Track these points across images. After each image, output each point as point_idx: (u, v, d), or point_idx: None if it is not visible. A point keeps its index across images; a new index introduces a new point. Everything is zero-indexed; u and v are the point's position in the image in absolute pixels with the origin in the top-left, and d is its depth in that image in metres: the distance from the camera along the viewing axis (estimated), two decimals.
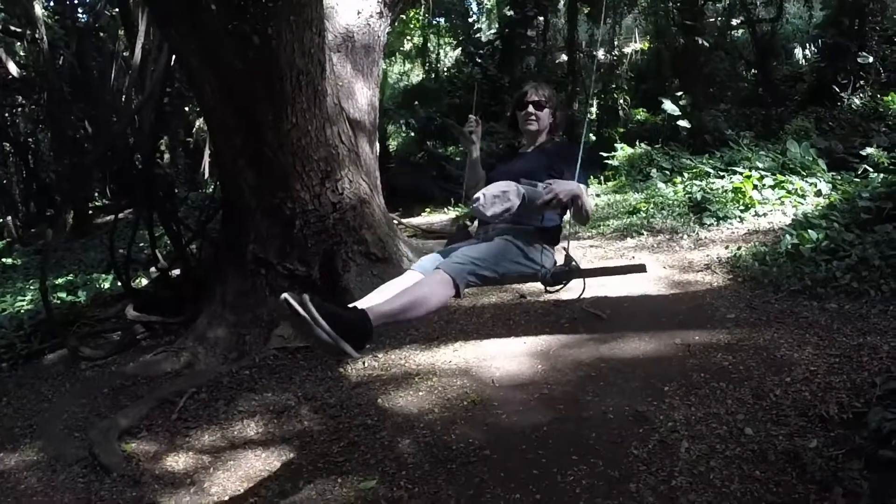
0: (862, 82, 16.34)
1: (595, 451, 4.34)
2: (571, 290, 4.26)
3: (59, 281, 12.71)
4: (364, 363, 6.34)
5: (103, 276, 13.03)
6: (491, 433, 4.78)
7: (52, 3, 21.53)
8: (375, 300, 3.55)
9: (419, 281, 3.73)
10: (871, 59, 16.26)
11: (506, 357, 6.02)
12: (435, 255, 4.12)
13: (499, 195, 3.76)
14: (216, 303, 7.40)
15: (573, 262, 3.93)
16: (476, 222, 4.47)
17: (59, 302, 10.43)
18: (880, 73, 16.91)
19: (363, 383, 5.92)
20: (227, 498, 4.45)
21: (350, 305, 3.43)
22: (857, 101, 15.61)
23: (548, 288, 4.01)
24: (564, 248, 4.03)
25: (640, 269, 4.25)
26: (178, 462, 4.99)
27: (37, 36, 18.39)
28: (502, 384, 5.52)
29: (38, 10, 17.32)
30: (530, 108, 4.45)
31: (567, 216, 4.17)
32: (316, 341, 3.08)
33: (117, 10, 19.19)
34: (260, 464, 4.80)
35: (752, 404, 4.63)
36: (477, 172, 4.57)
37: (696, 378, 5.09)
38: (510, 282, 4.50)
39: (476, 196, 3.79)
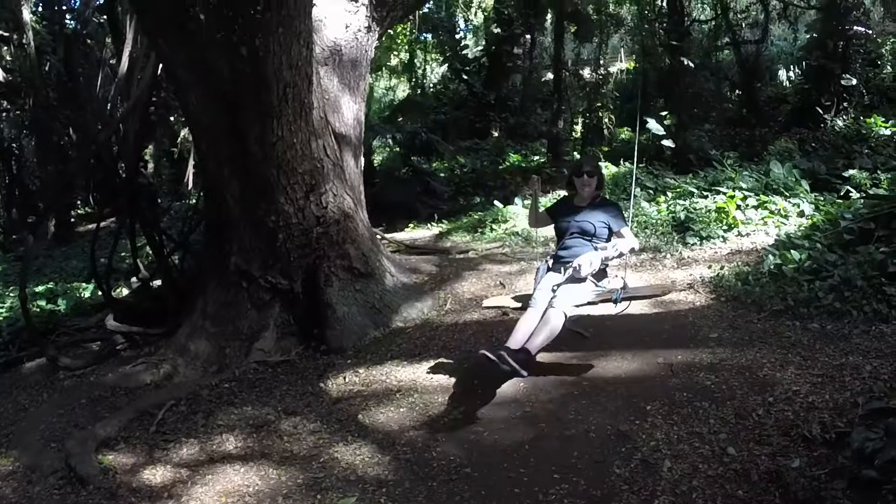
0: (845, 104, 16.46)
1: (577, 470, 4.32)
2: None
3: (39, 289, 12.58)
4: (345, 378, 6.30)
5: (84, 284, 12.92)
6: (472, 451, 4.75)
7: (40, 9, 21.45)
8: (521, 335, 5.40)
9: (548, 318, 5.44)
10: (854, 82, 16.38)
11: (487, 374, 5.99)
12: (545, 288, 5.77)
13: (587, 263, 5.66)
14: (197, 314, 7.35)
15: (626, 285, 6.10)
16: (552, 260, 6.19)
17: (38, 310, 10.33)
18: (863, 96, 17.05)
19: (344, 399, 5.89)
20: None
21: (515, 348, 5.27)
22: (841, 123, 15.70)
23: (616, 306, 5.97)
24: (622, 277, 6.15)
25: (669, 290, 7.13)
26: (155, 475, 4.93)
27: (24, 41, 18.33)
28: (484, 402, 5.49)
29: (27, 15, 17.25)
30: (585, 177, 6.10)
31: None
32: (508, 368, 5.04)
33: (105, 17, 19.17)
34: (239, 479, 4.75)
35: (734, 424, 4.62)
36: (539, 217, 6.58)
37: (679, 397, 5.09)
38: (594, 304, 6.09)
39: (574, 265, 5.66)
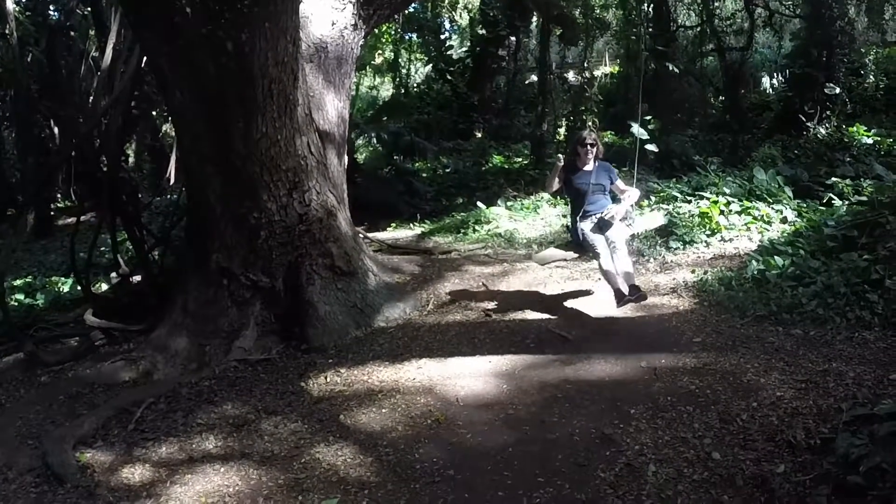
0: (828, 112, 16.56)
1: (561, 474, 4.30)
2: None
3: (18, 283, 12.46)
4: (326, 378, 6.26)
5: (63, 279, 12.80)
6: (455, 453, 4.72)
7: (23, 0, 21.25)
8: (621, 278, 6.98)
9: (623, 260, 7.06)
10: (837, 90, 16.49)
11: (471, 376, 5.97)
12: (597, 238, 7.10)
13: (609, 221, 7.12)
14: (177, 311, 7.28)
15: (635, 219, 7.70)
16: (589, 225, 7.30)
17: (16, 304, 10.23)
18: (846, 104, 17.17)
19: (325, 398, 5.84)
20: None
21: (629, 288, 6.89)
22: (823, 131, 15.80)
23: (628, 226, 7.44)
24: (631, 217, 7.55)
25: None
26: (134, 474, 4.86)
27: (6, 32, 18.10)
28: (467, 403, 5.47)
29: (10, 5, 17.02)
30: (589, 147, 7.30)
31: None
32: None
33: (89, 9, 19.00)
34: (219, 479, 4.69)
35: (719, 428, 4.61)
36: (555, 184, 7.59)
37: (663, 401, 5.08)
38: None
39: (612, 214, 7.12)
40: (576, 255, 8.20)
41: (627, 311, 7.15)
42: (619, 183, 7.55)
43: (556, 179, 7.61)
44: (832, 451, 4.06)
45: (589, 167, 7.40)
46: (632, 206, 7.65)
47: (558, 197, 13.41)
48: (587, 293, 8.06)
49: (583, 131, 8.50)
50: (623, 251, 7.10)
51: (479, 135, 23.88)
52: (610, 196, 7.58)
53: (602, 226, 7.18)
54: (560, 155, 8.14)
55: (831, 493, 3.71)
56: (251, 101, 6.33)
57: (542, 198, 14.82)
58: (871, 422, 4.19)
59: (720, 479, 4.04)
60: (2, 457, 5.22)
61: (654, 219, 9.46)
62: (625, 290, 6.88)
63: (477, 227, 13.11)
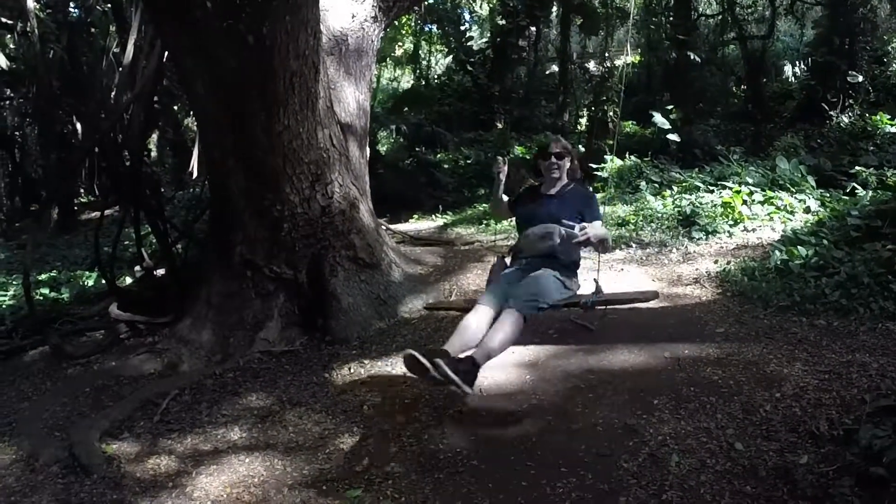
0: (851, 101, 16.46)
1: (584, 464, 4.30)
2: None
3: (43, 277, 12.57)
4: (350, 369, 6.29)
5: (87, 273, 12.90)
6: (479, 443, 4.73)
7: None
8: (464, 340, 4.83)
9: (502, 320, 4.84)
10: (860, 79, 16.38)
11: (494, 366, 5.91)
12: (494, 288, 5.25)
13: (545, 235, 5.09)
14: (201, 304, 7.33)
15: (600, 290, 5.55)
16: (513, 253, 5.69)
17: (41, 298, 10.33)
18: (869, 93, 17.05)
19: (349, 390, 5.86)
20: (209, 503, 4.38)
21: (455, 356, 4.62)
22: (846, 120, 15.70)
23: (585, 311, 5.58)
24: (595, 280, 5.61)
25: (654, 296, 5.95)
26: (159, 465, 4.91)
27: (28, 29, 18.23)
28: (490, 393, 5.47)
29: (31, 2, 17.15)
30: (553, 159, 5.47)
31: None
32: (435, 383, 4.38)
33: (109, 5, 19.09)
34: (243, 469, 4.73)
35: (742, 419, 4.60)
36: (502, 205, 5.78)
37: (686, 392, 5.06)
38: (557, 308, 5.54)
39: (525, 234, 5.16)
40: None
41: (651, 302, 7.13)
42: (598, 226, 5.30)
43: (504, 203, 5.78)
44: (855, 443, 4.04)
45: (553, 191, 5.58)
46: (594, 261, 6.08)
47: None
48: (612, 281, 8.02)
49: (549, 137, 5.87)
50: (511, 314, 4.88)
51: (500, 126, 23.85)
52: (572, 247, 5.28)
53: (526, 269, 5.28)
54: (499, 157, 5.64)
55: (854, 485, 3.69)
56: (272, 95, 6.36)
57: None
58: (895, 413, 4.17)
59: (743, 469, 4.04)
60: (29, 448, 5.29)
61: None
62: (453, 354, 4.65)
63: (522, 232, 13.08)
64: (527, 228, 5.38)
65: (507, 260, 5.65)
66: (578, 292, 5.53)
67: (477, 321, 4.93)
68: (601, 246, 5.37)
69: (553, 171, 5.51)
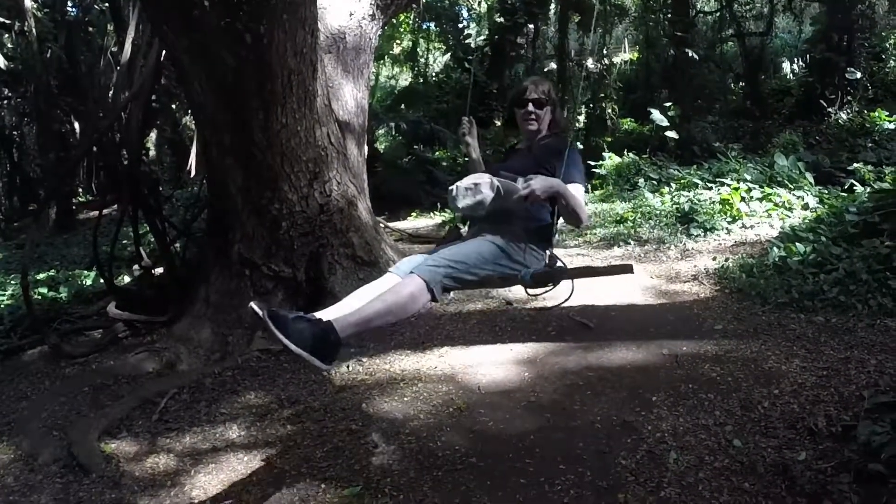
0: (849, 98, 16.46)
1: (583, 461, 4.30)
2: (557, 297, 4.35)
3: (41, 276, 12.55)
4: (348, 367, 6.28)
5: (86, 272, 12.88)
6: (477, 440, 4.73)
7: None
8: (350, 307, 3.53)
9: (392, 287, 3.57)
10: (858, 75, 16.38)
11: (492, 364, 5.98)
12: (417, 256, 3.90)
13: (470, 187, 3.74)
14: (199, 303, 7.33)
15: (557, 263, 3.97)
16: (467, 225, 4.41)
17: (40, 298, 10.30)
18: (868, 89, 17.06)
19: (347, 387, 5.86)
20: (208, 501, 4.38)
21: (318, 316, 3.37)
22: (845, 117, 15.72)
23: (528, 291, 4.08)
24: (548, 250, 4.07)
25: (627, 269, 4.31)
26: (158, 463, 4.91)
27: (25, 28, 18.23)
28: (488, 391, 5.48)
29: (28, 1, 17.16)
30: (530, 107, 4.27)
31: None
32: (286, 350, 3.06)
33: (107, 4, 19.08)
34: (242, 467, 4.73)
35: (740, 416, 4.60)
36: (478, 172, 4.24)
37: (684, 388, 5.07)
38: (491, 285, 4.39)
39: (450, 188, 3.80)
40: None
41: (648, 298, 7.12)
42: (576, 189, 3.95)
43: (481, 165, 4.56)
44: (854, 439, 4.05)
45: (522, 145, 4.55)
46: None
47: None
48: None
49: (526, 80, 4.45)
50: (409, 281, 3.56)
51: (499, 123, 23.84)
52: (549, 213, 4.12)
53: (475, 233, 4.11)
54: (466, 118, 4.56)
55: (852, 481, 3.69)
56: (270, 93, 6.35)
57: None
58: (893, 410, 4.17)
59: (741, 466, 4.04)
60: (28, 447, 5.29)
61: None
62: (316, 314, 3.41)
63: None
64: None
65: (464, 232, 4.46)
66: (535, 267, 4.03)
67: (371, 289, 3.71)
68: (565, 210, 3.94)
69: (529, 121, 4.30)
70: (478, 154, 4.59)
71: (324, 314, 3.43)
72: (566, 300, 4.19)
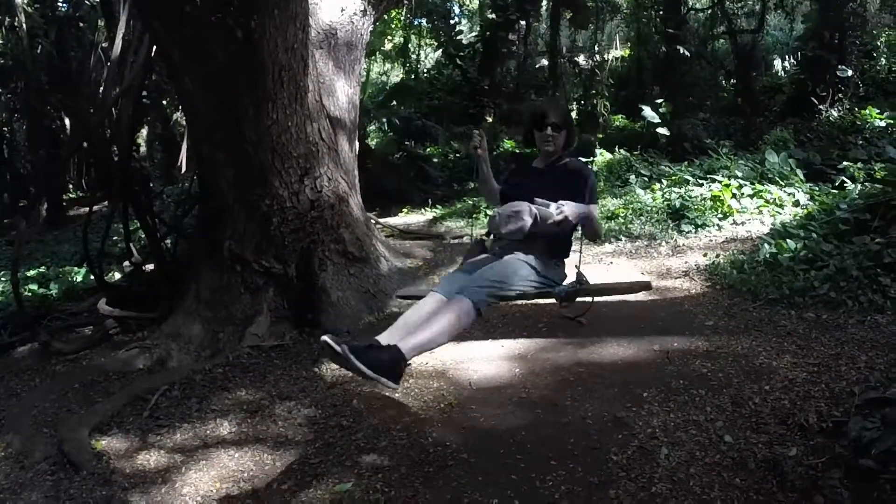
0: (840, 95, 16.49)
1: (574, 457, 4.30)
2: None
3: (31, 273, 12.50)
4: None
5: (76, 269, 12.83)
6: (468, 436, 4.72)
7: None
8: (408, 330, 4.02)
9: (445, 309, 4.06)
10: (850, 73, 16.42)
11: (483, 360, 5.97)
12: (454, 275, 4.52)
13: (512, 215, 4.23)
14: (190, 299, 7.31)
15: (584, 280, 4.72)
16: (492, 235, 4.86)
17: (30, 294, 10.27)
18: (859, 87, 17.11)
19: (339, 384, 5.85)
20: (199, 498, 4.36)
21: (385, 342, 3.85)
22: (836, 114, 15.74)
23: (561, 305, 4.87)
24: (576, 266, 4.79)
25: (646, 286, 5.33)
26: (149, 460, 4.90)
27: (16, 24, 18.17)
28: (480, 387, 5.47)
29: None
30: (549, 130, 4.70)
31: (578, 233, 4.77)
32: (358, 373, 3.59)
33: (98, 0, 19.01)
34: (233, 464, 4.72)
35: (731, 412, 4.61)
36: (490, 186, 5.01)
37: (675, 384, 5.07)
38: (527, 298, 4.85)
39: (491, 214, 4.36)
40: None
41: (639, 294, 7.12)
42: (593, 209, 4.64)
43: (490, 180, 5.01)
44: (844, 435, 4.05)
45: (543, 164, 4.93)
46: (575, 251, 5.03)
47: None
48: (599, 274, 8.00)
49: (544, 102, 4.57)
50: (458, 303, 4.08)
51: (490, 119, 23.85)
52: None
53: (500, 253, 4.59)
54: (477, 131, 4.89)
55: (843, 477, 3.70)
56: (262, 88, 6.34)
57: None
58: (884, 405, 4.18)
59: (732, 461, 4.04)
60: (18, 445, 5.27)
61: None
62: (383, 339, 3.92)
63: (488, 212, 13.08)
64: (507, 199, 4.57)
65: (489, 243, 4.89)
66: (566, 282, 4.75)
67: (421, 311, 4.20)
68: (588, 229, 4.70)
69: (547, 143, 4.76)
70: (488, 167, 4.97)
71: (388, 339, 3.89)
72: (585, 313, 5.16)
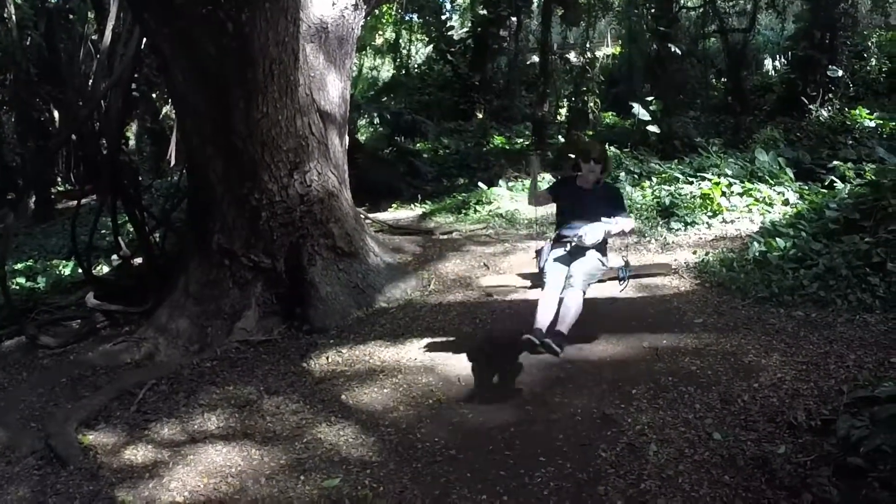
0: (830, 95, 16.53)
1: (563, 453, 4.31)
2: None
3: (19, 266, 12.47)
4: (328, 358, 6.26)
5: (64, 262, 12.80)
6: (457, 432, 4.73)
7: None
8: (552, 315, 5.44)
9: (568, 297, 5.54)
10: (840, 73, 16.45)
11: (472, 355, 5.97)
12: (554, 271, 5.80)
13: (592, 233, 5.78)
14: (179, 293, 7.28)
15: (629, 264, 6.50)
16: (554, 238, 6.35)
17: (17, 288, 10.24)
18: (849, 87, 17.16)
19: (327, 379, 5.84)
20: (186, 493, 4.35)
21: (546, 328, 5.33)
22: (826, 114, 15.78)
23: (620, 283, 6.33)
24: (624, 257, 6.81)
25: (668, 268, 7.26)
26: (136, 455, 4.88)
27: (5, 15, 18.06)
28: (468, 383, 5.47)
29: None
30: (592, 164, 6.19)
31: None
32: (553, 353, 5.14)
33: None
34: (221, 459, 4.70)
35: (720, 409, 4.62)
36: (542, 198, 6.65)
37: (665, 382, 5.08)
38: (601, 281, 6.31)
39: (579, 234, 5.78)
40: (529, 285, 6.60)
41: (629, 291, 7.14)
42: (624, 217, 6.18)
43: (543, 192, 6.72)
44: (833, 433, 4.07)
45: (589, 186, 6.33)
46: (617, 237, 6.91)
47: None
48: None
49: (589, 143, 7.21)
50: (577, 291, 5.62)
51: (480, 115, 23.83)
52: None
53: (573, 254, 5.93)
54: (533, 156, 7.46)
55: (832, 475, 3.71)
56: (252, 82, 6.31)
57: (543, 178, 14.81)
58: (872, 404, 4.19)
59: (721, 459, 4.05)
60: (5, 439, 5.25)
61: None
62: (542, 329, 5.34)
63: (478, 208, 13.09)
64: (568, 216, 6.24)
65: (546, 246, 6.25)
66: (612, 265, 6.34)
67: (550, 300, 5.55)
68: (627, 235, 7.39)
69: (592, 173, 6.23)
70: (539, 184, 6.88)
71: (544, 322, 5.38)
72: (624, 288, 6.39)
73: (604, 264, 6.10)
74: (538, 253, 6.30)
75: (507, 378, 5.50)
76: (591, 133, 19.71)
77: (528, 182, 13.84)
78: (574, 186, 6.42)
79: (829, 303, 6.31)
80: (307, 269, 7.29)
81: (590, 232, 5.79)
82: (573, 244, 5.87)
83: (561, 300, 5.56)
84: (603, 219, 5.92)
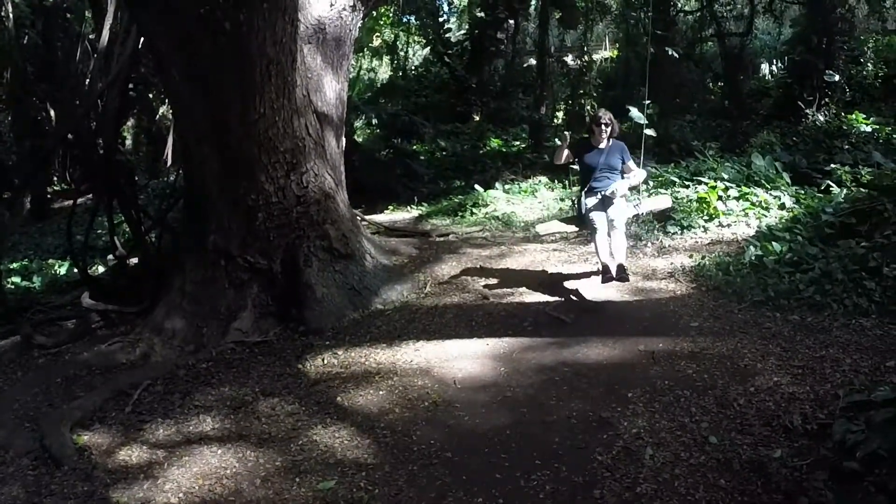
0: (827, 100, 16.52)
1: (559, 456, 4.30)
2: None
3: (14, 266, 12.45)
4: (323, 359, 6.25)
5: (59, 262, 12.79)
6: (453, 435, 4.72)
7: None
8: (608, 257, 7.12)
9: (615, 237, 7.21)
10: (837, 78, 16.45)
11: (468, 358, 5.97)
12: (598, 215, 7.28)
13: (621, 187, 7.38)
14: (174, 293, 7.27)
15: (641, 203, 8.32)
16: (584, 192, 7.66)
17: (13, 287, 10.23)
18: (845, 92, 17.14)
19: (322, 380, 5.84)
20: (181, 494, 4.34)
21: (611, 266, 7.06)
22: (822, 118, 15.77)
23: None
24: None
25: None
26: (131, 456, 4.86)
27: (2, 14, 18.02)
28: (464, 385, 5.47)
29: None
30: (603, 126, 7.52)
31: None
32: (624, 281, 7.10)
33: None
34: (216, 460, 4.69)
35: (716, 413, 4.62)
36: (565, 156, 7.80)
37: (660, 385, 5.08)
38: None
39: (612, 189, 7.27)
40: (576, 230, 8.79)
41: (625, 294, 7.16)
42: (630, 164, 7.73)
43: (565, 153, 7.90)
44: (829, 437, 4.08)
45: (602, 145, 7.64)
46: (638, 187, 8.36)
47: (562, 175, 14.33)
48: (585, 276, 8.02)
49: (599, 110, 8.39)
50: (620, 231, 7.26)
51: (477, 118, 23.80)
52: (620, 176, 7.70)
53: (605, 203, 7.33)
54: (567, 133, 8.35)
55: (828, 479, 3.72)
56: (249, 82, 6.30)
57: (540, 181, 14.82)
58: (868, 408, 4.20)
59: (717, 463, 4.05)
60: None
61: (661, 200, 9.34)
62: (612, 268, 7.04)
63: (475, 210, 13.10)
64: (589, 170, 7.57)
65: (582, 197, 7.62)
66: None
67: (604, 241, 7.21)
68: (639, 184, 8.43)
69: (602, 133, 7.53)
70: (564, 157, 7.85)
71: (609, 261, 7.09)
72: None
73: (635, 206, 8.05)
74: (576, 202, 7.91)
75: (502, 381, 5.49)
76: (587, 136, 19.70)
77: (524, 184, 15.32)
78: (590, 145, 7.75)
79: (825, 307, 6.31)
80: (303, 270, 7.28)
81: (620, 187, 7.33)
82: (606, 195, 7.29)
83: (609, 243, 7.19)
84: (625, 175, 7.58)
